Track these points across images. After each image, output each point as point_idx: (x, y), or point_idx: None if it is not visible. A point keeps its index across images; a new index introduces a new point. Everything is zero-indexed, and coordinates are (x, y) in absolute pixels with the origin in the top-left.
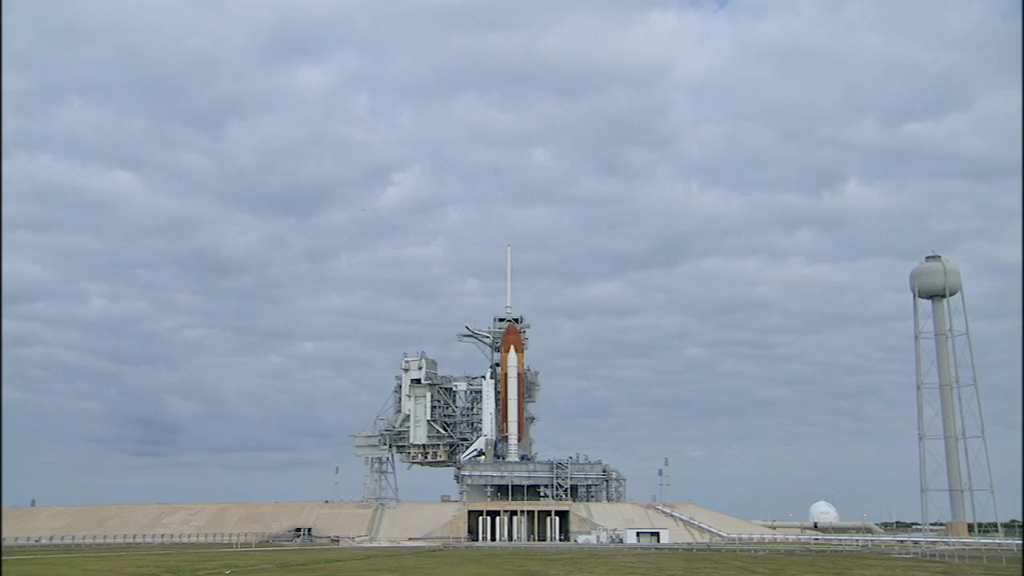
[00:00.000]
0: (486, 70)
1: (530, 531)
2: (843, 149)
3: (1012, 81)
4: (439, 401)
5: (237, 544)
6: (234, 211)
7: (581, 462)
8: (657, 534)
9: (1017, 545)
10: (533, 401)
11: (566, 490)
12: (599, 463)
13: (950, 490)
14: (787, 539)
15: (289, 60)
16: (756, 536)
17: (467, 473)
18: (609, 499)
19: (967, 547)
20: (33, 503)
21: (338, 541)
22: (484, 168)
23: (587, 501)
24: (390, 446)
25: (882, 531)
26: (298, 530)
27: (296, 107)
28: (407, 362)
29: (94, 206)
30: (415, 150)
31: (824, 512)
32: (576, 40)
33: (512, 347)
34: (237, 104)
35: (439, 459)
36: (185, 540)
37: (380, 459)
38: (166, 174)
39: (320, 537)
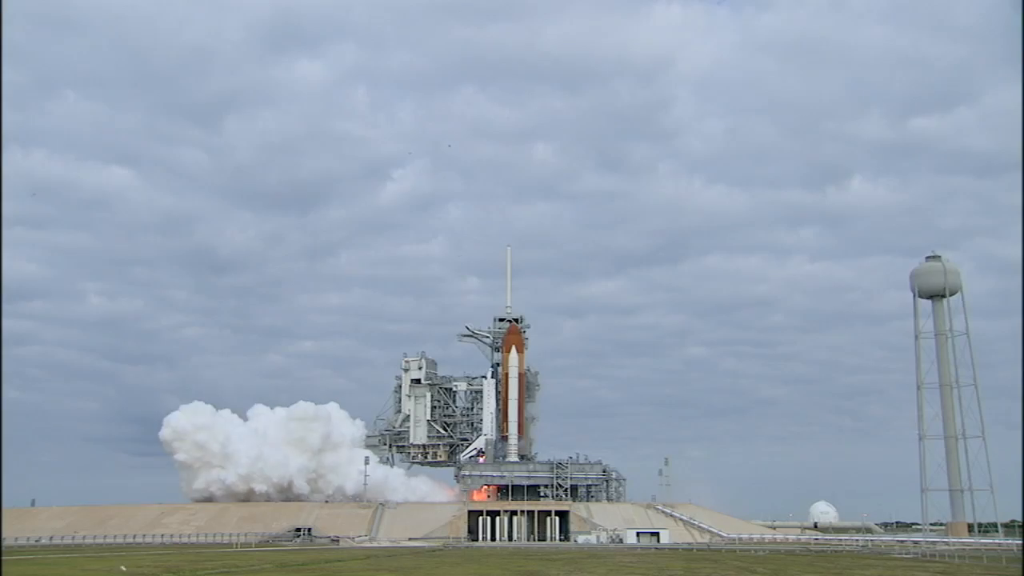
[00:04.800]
0: (486, 63)
1: (530, 531)
2: (848, 144)
3: (1018, 75)
4: (439, 401)
5: (237, 544)
6: (232, 208)
7: (581, 462)
8: (657, 534)
9: (1017, 545)
10: (533, 401)
11: (566, 490)
12: (599, 463)
13: (950, 490)
14: (787, 539)
15: (287, 53)
16: (756, 536)
17: (467, 473)
18: (609, 499)
19: (967, 547)
20: (33, 503)
21: (338, 541)
22: (485, 164)
23: (587, 501)
24: (390, 446)
25: (882, 531)
26: (298, 530)
27: (294, 101)
28: (407, 362)
29: (90, 203)
30: (415, 146)
31: (824, 512)
32: (578, 32)
33: (513, 347)
34: (234, 98)
35: (439, 459)
36: (185, 540)
37: (380, 459)
38: (163, 170)
39: (320, 537)
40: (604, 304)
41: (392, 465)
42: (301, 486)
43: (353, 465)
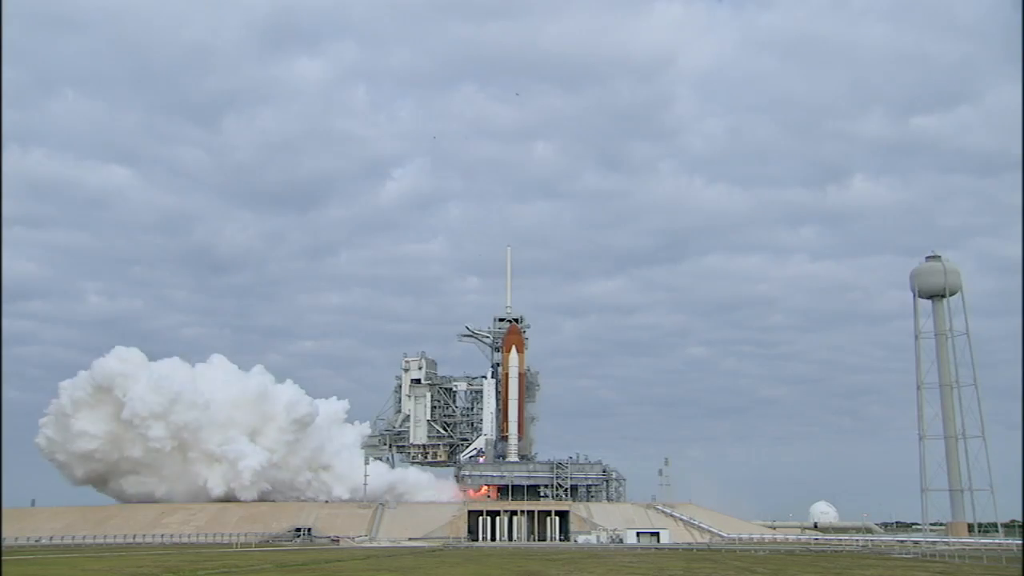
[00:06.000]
0: (486, 61)
1: (530, 531)
2: (849, 143)
3: (1020, 74)
4: (439, 401)
5: (237, 544)
6: (232, 207)
7: (581, 462)
8: (657, 534)
9: (1017, 545)
10: (533, 401)
11: (566, 490)
12: (599, 463)
13: (950, 490)
14: (787, 539)
15: (286, 51)
16: (756, 536)
17: (467, 473)
18: (609, 499)
19: (967, 547)
20: (33, 503)
21: (338, 541)
22: (485, 163)
23: (587, 501)
24: (390, 446)
25: (882, 531)
26: (298, 530)
27: (294, 100)
28: (407, 362)
29: (90, 202)
30: (415, 144)
31: (824, 512)
32: (578, 30)
33: (513, 347)
34: (234, 97)
35: (439, 459)
36: (185, 540)
37: (380, 459)
38: (162, 169)
39: (320, 537)
40: (604, 304)
41: (392, 466)
42: (298, 493)
43: (351, 465)
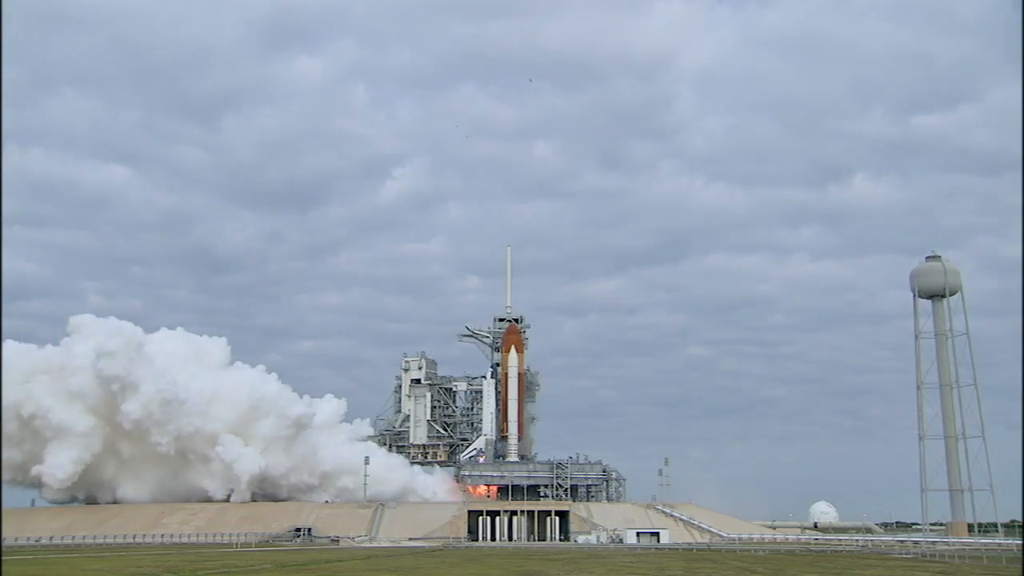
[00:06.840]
0: (486, 61)
1: (530, 531)
2: (850, 142)
3: (1020, 73)
4: (439, 401)
5: (237, 544)
6: (231, 206)
7: (581, 462)
8: (657, 534)
9: (1017, 545)
10: (533, 401)
11: (566, 490)
12: (599, 463)
13: (950, 490)
14: (787, 539)
15: (286, 50)
16: (756, 536)
17: (467, 473)
18: (609, 499)
19: (967, 547)
20: (33, 503)
21: (338, 541)
22: (485, 162)
23: (587, 501)
24: (390, 446)
25: (882, 531)
26: (298, 530)
27: (293, 99)
28: (407, 362)
29: (89, 201)
30: (415, 144)
31: (824, 512)
32: (578, 29)
33: (513, 347)
34: (233, 96)
35: (439, 459)
36: (185, 540)
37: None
38: (162, 168)
39: (320, 537)
40: (604, 303)
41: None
42: (297, 493)
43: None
